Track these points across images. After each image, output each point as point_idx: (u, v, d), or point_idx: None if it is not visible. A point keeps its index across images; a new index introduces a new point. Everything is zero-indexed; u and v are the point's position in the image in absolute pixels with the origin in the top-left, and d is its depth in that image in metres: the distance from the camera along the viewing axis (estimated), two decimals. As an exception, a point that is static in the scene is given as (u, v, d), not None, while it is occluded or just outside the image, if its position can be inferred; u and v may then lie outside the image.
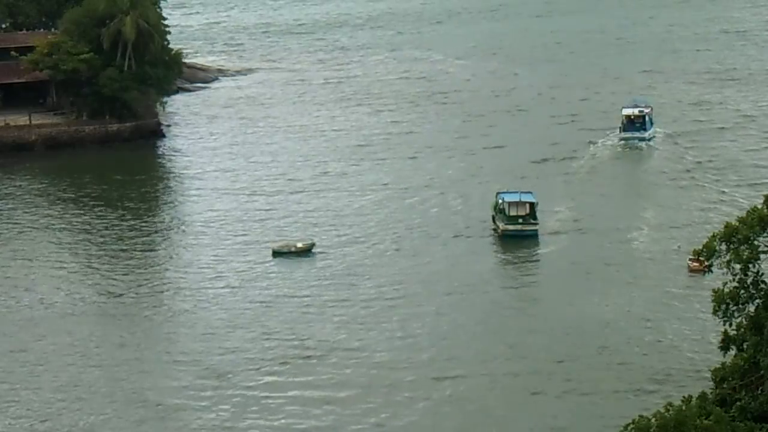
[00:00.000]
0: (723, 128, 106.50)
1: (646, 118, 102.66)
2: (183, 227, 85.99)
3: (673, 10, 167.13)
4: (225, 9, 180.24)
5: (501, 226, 79.28)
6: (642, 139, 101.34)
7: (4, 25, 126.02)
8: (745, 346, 35.53)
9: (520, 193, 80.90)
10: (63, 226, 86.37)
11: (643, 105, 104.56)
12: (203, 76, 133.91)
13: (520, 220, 79.18)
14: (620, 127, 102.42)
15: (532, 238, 78.78)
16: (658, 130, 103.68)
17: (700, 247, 36.00)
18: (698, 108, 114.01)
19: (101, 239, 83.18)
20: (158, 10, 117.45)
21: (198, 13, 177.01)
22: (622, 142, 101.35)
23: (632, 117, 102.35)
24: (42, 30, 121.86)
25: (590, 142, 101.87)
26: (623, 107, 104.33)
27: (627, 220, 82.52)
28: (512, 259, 76.70)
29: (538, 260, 76.75)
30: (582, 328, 65.10)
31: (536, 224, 79.40)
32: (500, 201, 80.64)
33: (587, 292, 70.03)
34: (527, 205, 79.53)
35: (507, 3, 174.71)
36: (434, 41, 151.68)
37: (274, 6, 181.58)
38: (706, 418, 32.58)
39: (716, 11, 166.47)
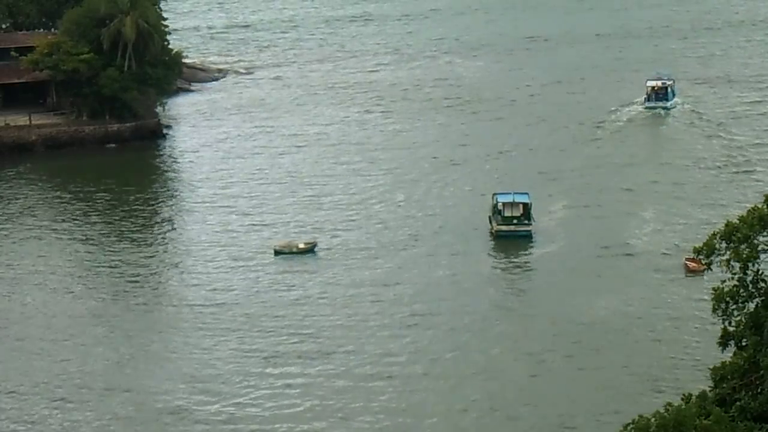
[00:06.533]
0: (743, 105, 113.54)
1: (669, 90, 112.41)
2: (183, 226, 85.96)
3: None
4: (226, 9, 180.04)
5: (495, 226, 79.42)
6: (665, 108, 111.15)
7: (4, 25, 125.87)
8: (744, 344, 35.41)
9: (514, 193, 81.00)
10: (63, 226, 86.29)
11: (666, 77, 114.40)
12: (203, 77, 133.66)
13: (515, 221, 79.29)
14: (645, 98, 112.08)
15: (525, 238, 78.83)
16: (678, 100, 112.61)
17: (700, 245, 35.88)
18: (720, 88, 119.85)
19: (101, 239, 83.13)
20: (158, 10, 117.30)
21: (198, 13, 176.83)
22: (646, 110, 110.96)
23: (656, 88, 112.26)
24: (42, 30, 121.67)
25: (615, 110, 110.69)
26: (647, 79, 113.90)
27: (626, 218, 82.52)
28: (507, 260, 76.70)
29: (532, 261, 76.73)
30: (577, 329, 65.02)
31: (530, 225, 79.46)
32: (496, 201, 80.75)
33: (581, 292, 69.96)
34: (521, 206, 79.65)
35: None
36: (442, 41, 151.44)
37: (276, 6, 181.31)
38: (705, 418, 32.44)
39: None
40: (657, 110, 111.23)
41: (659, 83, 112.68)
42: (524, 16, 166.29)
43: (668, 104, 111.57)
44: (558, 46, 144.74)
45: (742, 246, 34.87)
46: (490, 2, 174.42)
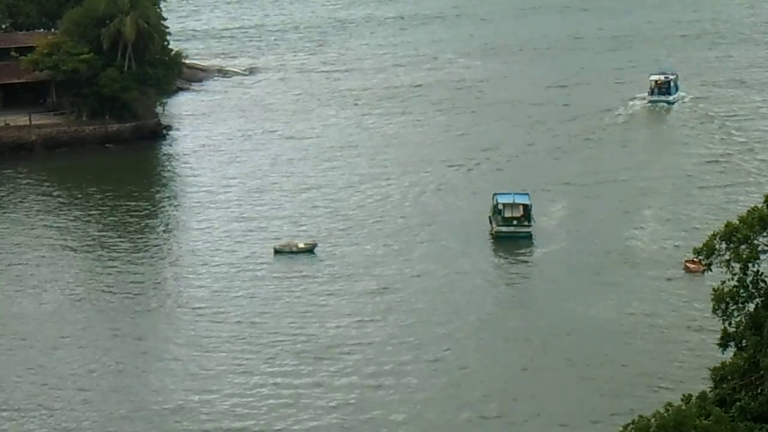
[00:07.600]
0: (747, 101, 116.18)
1: (671, 84, 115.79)
2: (183, 226, 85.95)
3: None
4: (226, 9, 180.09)
5: (495, 227, 79.33)
6: (668, 102, 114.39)
7: (4, 25, 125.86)
8: (744, 345, 35.39)
9: (514, 194, 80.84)
10: (62, 226, 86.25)
11: (669, 72, 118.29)
12: (203, 77, 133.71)
13: (514, 222, 79.15)
14: (648, 92, 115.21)
15: (525, 239, 78.75)
16: (682, 94, 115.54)
17: (700, 246, 35.85)
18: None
19: (101, 239, 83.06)
20: (158, 10, 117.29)
21: (201, 13, 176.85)
22: (650, 105, 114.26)
23: (659, 82, 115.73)
24: (42, 30, 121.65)
25: (618, 106, 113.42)
26: (651, 74, 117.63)
27: (626, 219, 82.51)
28: (507, 261, 76.59)
29: (532, 262, 76.64)
30: (576, 330, 64.95)
31: (529, 226, 79.34)
32: (496, 202, 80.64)
33: (581, 293, 69.84)
34: (521, 207, 79.52)
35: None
36: (445, 40, 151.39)
37: (276, 5, 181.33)
38: (705, 418, 32.40)
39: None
40: (660, 104, 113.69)
41: (662, 77, 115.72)
42: (528, 18, 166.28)
43: (671, 98, 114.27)
44: (563, 49, 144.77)
45: (742, 246, 34.84)
46: (494, 4, 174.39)
